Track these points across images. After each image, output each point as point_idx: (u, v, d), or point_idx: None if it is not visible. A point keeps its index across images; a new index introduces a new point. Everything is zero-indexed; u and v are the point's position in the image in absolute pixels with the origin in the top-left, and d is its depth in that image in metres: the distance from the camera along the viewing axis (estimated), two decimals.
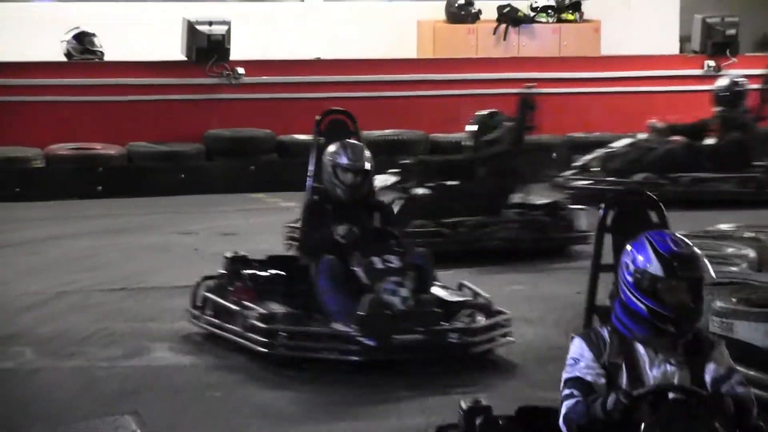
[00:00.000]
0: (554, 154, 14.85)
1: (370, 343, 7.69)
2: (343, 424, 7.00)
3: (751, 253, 8.98)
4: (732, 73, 14.09)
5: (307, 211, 8.63)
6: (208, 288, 8.59)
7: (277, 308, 8.13)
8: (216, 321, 8.32)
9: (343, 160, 8.40)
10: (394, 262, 8.10)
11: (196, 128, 14.49)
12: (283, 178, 13.28)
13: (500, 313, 8.20)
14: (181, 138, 14.38)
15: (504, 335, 8.17)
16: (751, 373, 6.97)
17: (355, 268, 8.08)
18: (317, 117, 9.69)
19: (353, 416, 7.13)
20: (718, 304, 7.44)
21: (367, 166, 8.46)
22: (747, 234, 9.53)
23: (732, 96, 13.40)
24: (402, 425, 6.92)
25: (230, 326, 8.16)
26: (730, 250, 8.97)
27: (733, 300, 7.46)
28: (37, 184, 13.77)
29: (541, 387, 7.64)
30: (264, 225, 12.05)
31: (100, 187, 13.92)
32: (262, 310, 8.01)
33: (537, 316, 9.11)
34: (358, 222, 8.42)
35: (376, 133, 14.50)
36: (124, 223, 12.55)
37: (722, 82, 13.75)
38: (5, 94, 14.36)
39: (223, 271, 8.61)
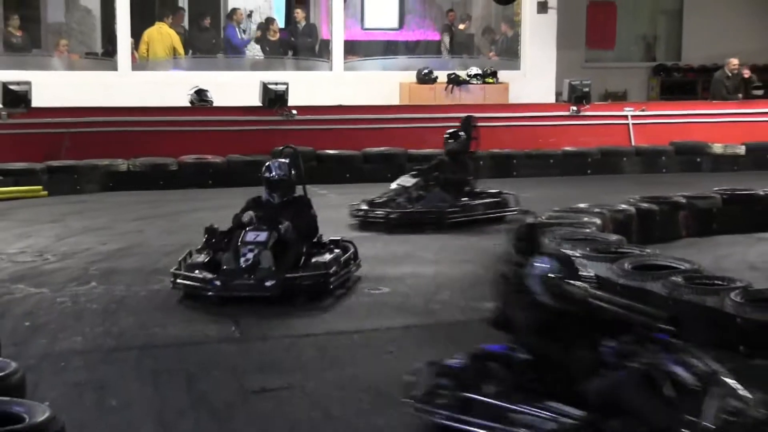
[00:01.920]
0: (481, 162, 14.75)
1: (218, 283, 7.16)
2: None
3: (598, 221, 8.95)
4: None
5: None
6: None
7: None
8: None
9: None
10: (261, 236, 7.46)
11: (267, 146, 14.16)
12: (317, 177, 12.99)
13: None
14: (258, 152, 14.10)
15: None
16: (599, 292, 6.88)
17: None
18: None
19: None
20: (578, 251, 7.38)
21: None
22: (596, 209, 9.46)
23: None
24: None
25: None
26: (585, 218, 8.92)
27: (587, 249, 7.42)
28: (172, 179, 13.55)
29: (472, 297, 7.55)
30: None
31: (210, 182, 13.79)
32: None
33: (470, 257, 9.02)
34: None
35: (375, 149, 14.41)
36: (224, 203, 12.10)
37: None
38: (155, 126, 14.18)
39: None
